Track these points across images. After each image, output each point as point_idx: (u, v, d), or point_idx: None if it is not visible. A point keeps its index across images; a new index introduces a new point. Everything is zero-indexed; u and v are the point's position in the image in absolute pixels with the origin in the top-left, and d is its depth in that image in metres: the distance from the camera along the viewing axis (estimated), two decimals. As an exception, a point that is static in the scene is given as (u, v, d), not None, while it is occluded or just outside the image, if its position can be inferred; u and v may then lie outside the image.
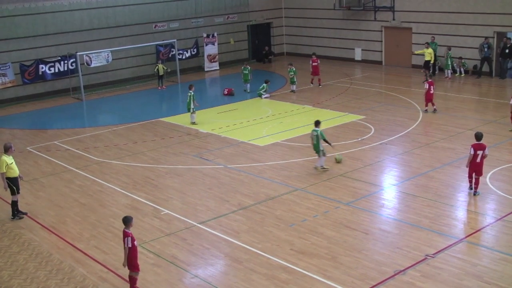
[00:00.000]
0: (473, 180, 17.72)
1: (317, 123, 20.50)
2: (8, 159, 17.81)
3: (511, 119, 23.73)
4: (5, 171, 17.67)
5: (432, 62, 33.93)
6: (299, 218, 16.70)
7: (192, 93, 26.72)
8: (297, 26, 44.17)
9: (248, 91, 32.79)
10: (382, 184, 19.33)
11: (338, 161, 20.86)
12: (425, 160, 20.91)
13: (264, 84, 31.73)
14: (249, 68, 33.06)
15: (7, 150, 18.00)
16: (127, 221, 13.13)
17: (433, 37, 35.27)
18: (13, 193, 17.90)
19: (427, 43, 34.51)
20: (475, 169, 17.54)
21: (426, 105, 26.96)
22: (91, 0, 35.59)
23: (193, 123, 26.94)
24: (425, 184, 18.72)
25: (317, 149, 20.22)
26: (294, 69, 32.20)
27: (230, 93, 32.67)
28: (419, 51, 35.02)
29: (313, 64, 33.20)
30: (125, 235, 12.96)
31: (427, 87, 26.62)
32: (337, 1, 40.03)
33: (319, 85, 32.85)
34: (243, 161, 21.73)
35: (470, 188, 17.86)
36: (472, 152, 17.43)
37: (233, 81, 35.55)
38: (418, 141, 23.01)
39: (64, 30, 34.80)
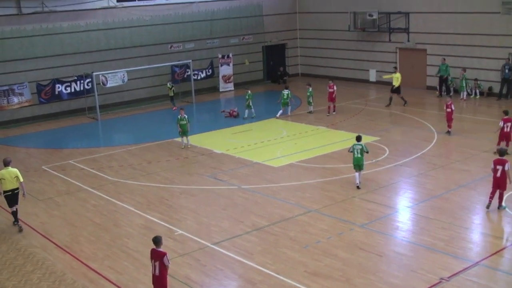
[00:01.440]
0: (496, 195, 18.00)
1: (358, 138, 20.96)
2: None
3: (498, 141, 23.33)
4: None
5: (396, 87, 33.10)
6: (313, 239, 16.62)
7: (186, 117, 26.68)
8: (311, 47, 44.27)
9: (245, 116, 31.77)
10: (396, 206, 19.22)
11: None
12: (440, 182, 20.78)
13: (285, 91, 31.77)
14: (249, 92, 31.94)
15: (8, 164, 18.66)
16: (158, 241, 12.95)
17: (443, 58, 35.24)
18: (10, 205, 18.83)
19: (395, 67, 34.55)
20: (497, 183, 17.87)
21: (447, 126, 26.84)
22: (107, 20, 35.90)
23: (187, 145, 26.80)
24: (440, 206, 18.59)
25: (361, 162, 20.48)
26: (311, 89, 32.10)
27: (233, 115, 32.32)
28: (387, 76, 34.63)
29: (330, 90, 31.88)
30: (161, 254, 12.79)
31: (445, 107, 26.65)
32: (352, 22, 40.12)
33: (334, 111, 31.75)
34: (258, 182, 21.70)
35: (487, 206, 17.98)
36: (492, 166, 17.92)
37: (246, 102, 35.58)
38: (433, 163, 22.90)
39: (81, 50, 35.10)
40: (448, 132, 26.66)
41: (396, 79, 33.07)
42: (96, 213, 19.59)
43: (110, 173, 23.73)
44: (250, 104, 31.77)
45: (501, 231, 16.79)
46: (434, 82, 36.23)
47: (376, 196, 19.66)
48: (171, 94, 35.56)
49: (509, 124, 23.02)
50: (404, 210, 18.71)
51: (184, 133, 26.70)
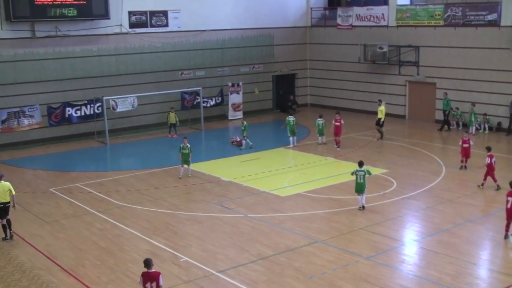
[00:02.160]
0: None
1: (361, 164, 21.46)
2: None
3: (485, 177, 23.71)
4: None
5: (383, 120, 33.02)
6: (318, 270, 16.50)
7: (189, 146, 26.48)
8: (321, 78, 44.41)
9: (243, 147, 31.44)
10: (403, 239, 19.11)
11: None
12: (447, 216, 20.66)
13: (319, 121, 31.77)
14: (245, 123, 31.73)
15: (0, 178, 19.35)
16: (149, 262, 13.21)
17: (445, 92, 35.32)
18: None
19: (379, 100, 34.49)
20: (508, 214, 18.18)
21: (464, 161, 26.54)
22: (119, 46, 36.16)
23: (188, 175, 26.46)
24: (448, 240, 18.45)
25: (363, 187, 21.13)
26: (323, 121, 31.88)
27: (237, 143, 32.14)
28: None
29: (335, 124, 31.26)
30: (157, 274, 13.12)
31: (461, 142, 26.52)
32: (362, 54, 40.27)
33: (338, 146, 31.01)
34: (264, 211, 21.62)
35: (505, 237, 18.28)
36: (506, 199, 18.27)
37: (255, 131, 35.61)
38: (440, 197, 22.79)
39: (92, 74, 35.30)
40: (465, 167, 26.27)
41: (381, 111, 32.87)
42: (102, 237, 19.54)
43: (116, 197, 23.71)
44: (245, 135, 31.52)
45: (509, 268, 16.62)
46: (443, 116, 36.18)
47: (383, 229, 19.55)
48: (173, 121, 35.55)
49: (493, 159, 23.52)
50: (410, 244, 18.58)
51: (185, 162, 26.39)
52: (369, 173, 21.50)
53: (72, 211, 22.21)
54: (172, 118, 35.50)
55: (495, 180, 23.39)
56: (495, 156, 23.72)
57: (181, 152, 26.27)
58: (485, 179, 23.62)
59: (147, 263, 13.17)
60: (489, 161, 23.40)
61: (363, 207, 21.31)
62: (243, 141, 31.66)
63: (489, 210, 21.20)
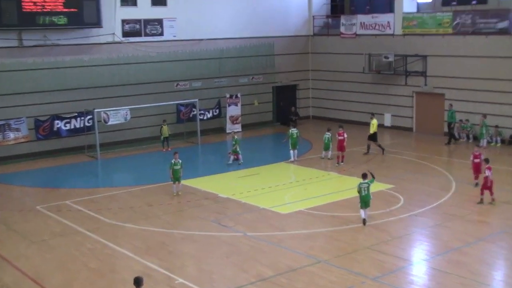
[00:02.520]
0: None
1: (364, 176, 21.83)
2: None
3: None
4: None
5: (371, 134, 32.66)
6: (321, 292, 16.35)
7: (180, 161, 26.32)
8: (324, 89, 44.41)
9: (230, 162, 31.21)
10: (411, 258, 18.96)
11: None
12: (457, 234, 20.52)
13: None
14: (236, 137, 31.72)
15: None
16: (139, 281, 13.06)
17: (451, 104, 35.33)
18: None
19: (372, 114, 34.21)
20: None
21: (477, 178, 25.98)
22: (112, 56, 36.18)
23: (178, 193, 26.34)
24: (458, 260, 18.30)
25: (368, 199, 21.49)
26: (330, 135, 31.70)
27: (235, 158, 31.86)
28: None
29: (339, 138, 31.01)
30: None
31: (472, 157, 26.15)
32: (367, 64, 40.29)
33: (342, 162, 30.62)
34: (264, 229, 21.49)
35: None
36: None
37: (254, 145, 35.59)
38: (450, 214, 22.66)
39: (83, 85, 35.26)
40: (477, 184, 25.59)
41: (372, 125, 32.56)
42: (92, 257, 19.38)
43: (108, 215, 23.58)
44: (238, 149, 31.36)
45: (523, 289, 16.48)
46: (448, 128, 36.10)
47: (389, 248, 19.40)
48: (166, 134, 35.49)
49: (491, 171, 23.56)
50: (419, 263, 18.44)
51: (177, 179, 26.24)
52: (372, 182, 21.83)
53: (61, 230, 22.06)
54: (165, 131, 35.43)
55: (491, 193, 23.42)
56: (505, 170, 23.65)
57: (172, 169, 26.08)
58: (482, 193, 23.60)
59: (138, 281, 13.00)
60: (487, 174, 23.36)
61: (365, 219, 21.45)
62: (232, 157, 31.38)
63: (502, 227, 21.05)
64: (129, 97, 36.73)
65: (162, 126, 35.62)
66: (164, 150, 35.10)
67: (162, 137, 35.60)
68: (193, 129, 37.73)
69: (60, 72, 34.52)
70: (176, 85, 38.89)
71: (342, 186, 26.71)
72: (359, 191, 21.56)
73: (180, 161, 26.30)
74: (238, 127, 40.70)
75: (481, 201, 23.51)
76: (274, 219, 22.62)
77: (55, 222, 22.95)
